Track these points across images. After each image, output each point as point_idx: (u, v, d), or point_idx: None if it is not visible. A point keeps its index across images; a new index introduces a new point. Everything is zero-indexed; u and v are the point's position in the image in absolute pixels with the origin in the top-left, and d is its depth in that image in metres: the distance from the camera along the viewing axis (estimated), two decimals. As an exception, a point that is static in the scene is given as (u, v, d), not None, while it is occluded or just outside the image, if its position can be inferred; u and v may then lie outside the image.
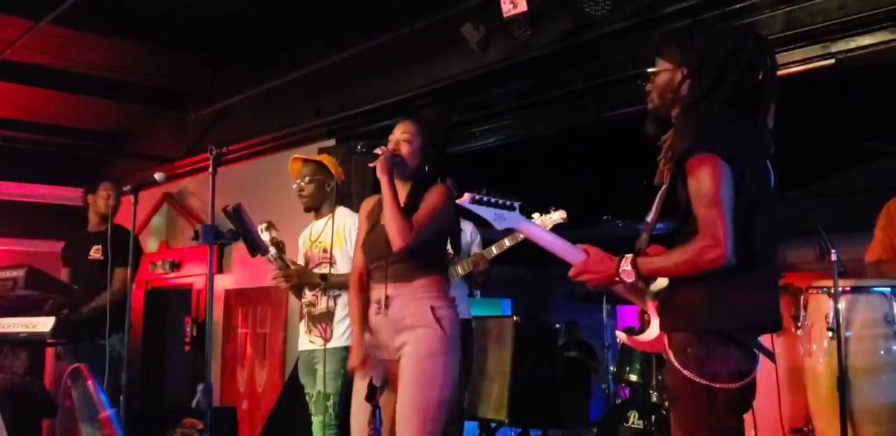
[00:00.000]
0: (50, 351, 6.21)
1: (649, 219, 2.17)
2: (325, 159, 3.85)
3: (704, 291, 1.99)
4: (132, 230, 3.87)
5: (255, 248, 3.38)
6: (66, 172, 7.44)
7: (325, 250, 3.66)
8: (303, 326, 3.71)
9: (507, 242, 4.04)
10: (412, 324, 2.78)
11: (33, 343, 4.83)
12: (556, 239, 2.11)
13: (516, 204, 2.04)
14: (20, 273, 4.43)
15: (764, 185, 2.06)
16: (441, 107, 4.96)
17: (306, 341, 3.68)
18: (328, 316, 3.59)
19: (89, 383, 3.43)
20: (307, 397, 3.67)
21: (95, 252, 4.65)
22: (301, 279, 3.64)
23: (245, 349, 6.27)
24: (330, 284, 3.57)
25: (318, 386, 3.52)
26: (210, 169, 2.93)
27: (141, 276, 7.06)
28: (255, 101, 6.12)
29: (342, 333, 3.53)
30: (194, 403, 2.60)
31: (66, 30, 5.41)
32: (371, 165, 2.83)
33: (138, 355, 7.05)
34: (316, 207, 3.75)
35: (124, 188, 3.78)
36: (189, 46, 6.11)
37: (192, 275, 6.90)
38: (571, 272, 2.13)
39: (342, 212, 3.74)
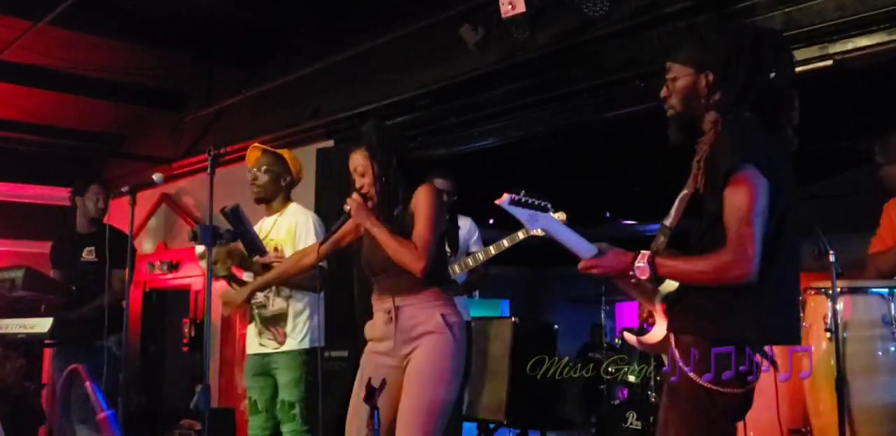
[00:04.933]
0: (48, 352, 6.20)
1: (668, 222, 2.16)
2: (286, 154, 3.73)
3: (721, 299, 1.98)
4: (130, 232, 3.87)
5: (254, 248, 3.37)
6: (63, 172, 7.40)
7: (276, 249, 3.57)
8: (253, 328, 3.60)
9: (505, 243, 4.03)
10: (424, 331, 2.77)
11: (31, 344, 4.82)
12: (579, 239, 2.11)
13: (549, 205, 2.04)
14: (18, 274, 4.43)
15: (792, 195, 2.05)
16: (439, 108, 4.96)
17: (256, 343, 3.55)
18: (280, 318, 3.49)
19: (87, 384, 3.43)
20: (246, 401, 3.56)
21: (88, 254, 4.62)
22: (234, 261, 3.46)
23: (243, 350, 6.24)
24: (257, 262, 3.43)
25: (280, 394, 3.45)
26: (208, 170, 2.92)
27: (139, 277, 7.05)
28: (253, 101, 6.11)
29: (297, 334, 3.44)
30: (192, 404, 2.60)
31: (64, 31, 5.40)
32: (351, 220, 2.88)
33: (136, 355, 7.05)
34: (267, 199, 3.63)
35: (122, 189, 3.77)
36: (187, 47, 6.10)
37: (191, 276, 6.89)
38: (581, 265, 2.11)
39: (294, 209, 3.64)
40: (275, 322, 3.50)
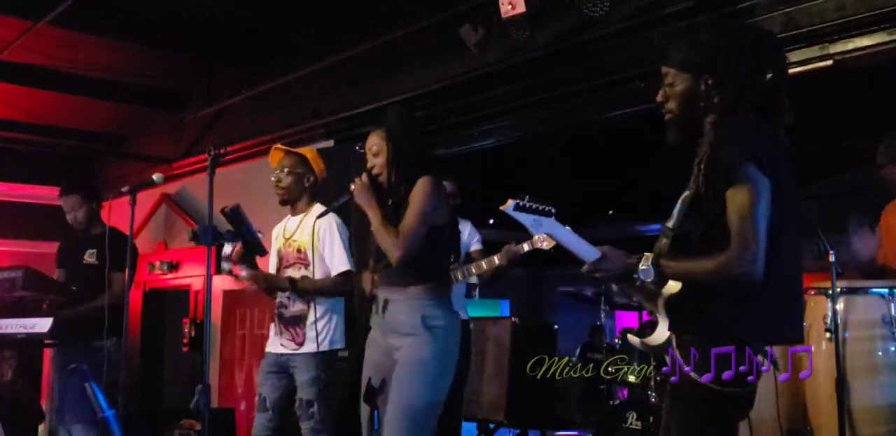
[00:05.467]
0: (47, 353, 6.20)
1: (670, 224, 2.16)
2: (308, 153, 3.72)
3: (723, 298, 1.98)
4: (130, 233, 3.86)
5: (254, 249, 3.37)
6: (63, 172, 7.42)
7: (299, 250, 3.56)
8: (273, 327, 3.61)
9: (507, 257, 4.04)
10: (404, 330, 2.79)
11: (31, 344, 4.82)
12: (583, 243, 2.11)
13: (553, 210, 2.05)
14: (18, 274, 4.42)
15: (793, 197, 2.05)
16: (439, 108, 4.96)
17: (277, 343, 3.56)
18: (301, 319, 3.49)
19: (87, 384, 3.43)
20: (256, 398, 3.56)
21: (90, 257, 4.62)
22: (268, 284, 3.53)
23: (243, 350, 6.27)
24: (299, 291, 3.47)
25: (298, 393, 3.45)
26: (208, 170, 2.93)
27: (139, 277, 7.05)
28: (253, 101, 6.11)
29: (316, 337, 3.43)
30: (192, 404, 2.60)
31: (64, 31, 5.40)
32: (356, 200, 2.87)
33: (136, 356, 7.05)
34: (292, 201, 3.63)
35: (122, 189, 3.76)
36: (187, 47, 6.10)
37: (191, 276, 6.89)
38: (585, 268, 2.11)
39: (320, 210, 3.59)
40: (294, 323, 3.51)
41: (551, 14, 4.06)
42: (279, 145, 3.75)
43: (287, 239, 3.63)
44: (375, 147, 2.90)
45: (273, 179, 3.63)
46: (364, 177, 2.89)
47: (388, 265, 2.83)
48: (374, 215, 2.81)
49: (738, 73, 2.04)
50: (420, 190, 2.78)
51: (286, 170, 3.60)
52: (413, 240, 2.73)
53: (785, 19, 3.51)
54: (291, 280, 3.48)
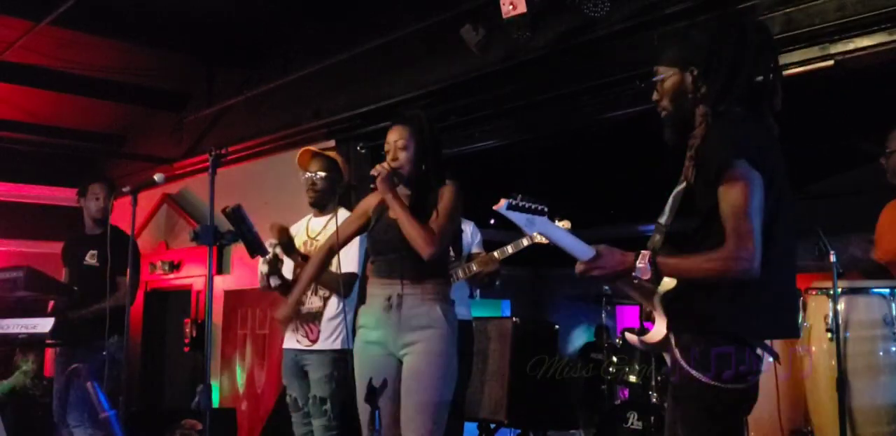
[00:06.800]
0: (50, 352, 6.21)
1: (663, 220, 2.16)
2: (337, 157, 3.77)
3: (719, 296, 1.99)
4: (132, 232, 3.86)
5: (255, 249, 3.38)
6: (64, 173, 7.43)
7: None
8: (290, 323, 3.60)
9: (509, 250, 4.03)
10: (422, 324, 2.79)
11: (32, 344, 4.83)
12: (577, 242, 2.11)
13: (546, 208, 2.05)
14: (20, 274, 4.43)
15: (785, 190, 2.05)
16: (440, 108, 4.96)
17: (292, 339, 3.58)
18: (316, 316, 3.51)
19: (88, 384, 3.43)
20: (287, 399, 3.58)
21: (91, 257, 4.62)
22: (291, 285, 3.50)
23: (244, 350, 6.27)
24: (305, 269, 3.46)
25: (312, 390, 3.47)
26: (209, 170, 2.93)
27: (140, 277, 7.05)
28: (254, 102, 6.12)
29: (330, 334, 3.45)
30: (194, 404, 2.61)
31: (66, 31, 5.41)
32: (372, 186, 2.85)
33: (138, 356, 7.05)
34: (323, 204, 3.67)
35: (123, 189, 3.77)
36: (188, 48, 6.11)
37: (192, 276, 6.90)
38: (579, 268, 2.10)
39: (344, 214, 3.67)
40: (309, 320, 3.53)
41: (552, 14, 4.07)
42: (310, 148, 3.77)
43: (311, 238, 3.66)
44: (402, 141, 2.89)
45: (305, 180, 3.64)
46: (388, 164, 2.87)
47: (397, 258, 2.84)
48: (399, 206, 2.80)
49: (723, 63, 2.06)
50: (450, 196, 2.86)
51: (321, 174, 3.62)
52: (446, 239, 2.80)
53: (785, 19, 3.52)
54: (304, 256, 3.48)
